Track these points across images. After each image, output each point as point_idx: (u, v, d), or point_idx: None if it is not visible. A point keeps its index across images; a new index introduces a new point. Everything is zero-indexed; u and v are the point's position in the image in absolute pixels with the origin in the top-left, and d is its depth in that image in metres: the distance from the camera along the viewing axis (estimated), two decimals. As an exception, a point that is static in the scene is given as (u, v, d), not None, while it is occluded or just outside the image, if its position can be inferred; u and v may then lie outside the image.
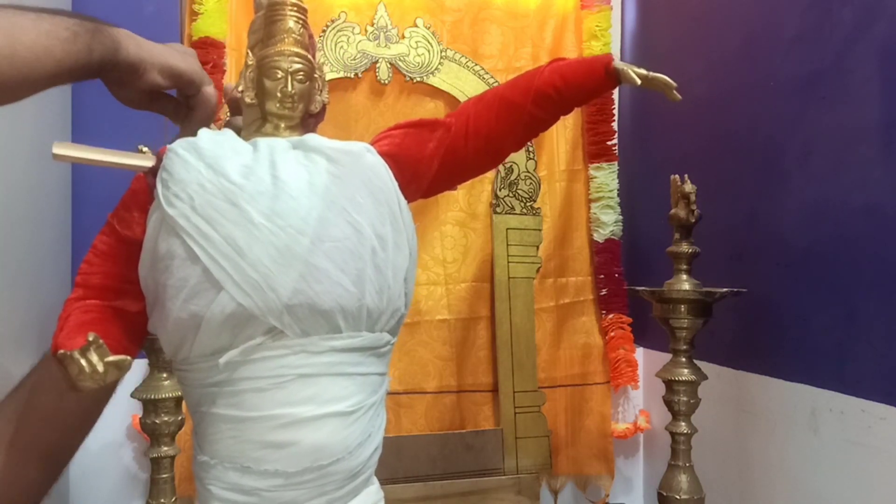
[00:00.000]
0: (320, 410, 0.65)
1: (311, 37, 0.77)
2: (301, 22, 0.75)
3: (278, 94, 0.72)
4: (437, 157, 0.78)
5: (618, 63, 0.82)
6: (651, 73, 0.83)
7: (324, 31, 1.79)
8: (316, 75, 0.76)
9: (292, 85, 0.72)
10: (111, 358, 0.58)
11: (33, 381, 0.66)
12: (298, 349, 0.65)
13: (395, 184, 0.73)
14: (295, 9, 0.74)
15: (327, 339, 0.66)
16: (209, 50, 1.65)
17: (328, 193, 0.67)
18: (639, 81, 0.82)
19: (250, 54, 0.74)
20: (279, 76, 0.72)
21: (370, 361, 0.70)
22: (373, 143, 0.76)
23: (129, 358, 0.59)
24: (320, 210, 0.66)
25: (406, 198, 0.74)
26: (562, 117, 0.88)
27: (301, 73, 0.73)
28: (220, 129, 0.74)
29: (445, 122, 0.80)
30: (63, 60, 0.60)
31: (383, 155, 0.74)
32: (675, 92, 0.84)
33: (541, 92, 0.81)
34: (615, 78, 0.82)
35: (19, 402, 0.65)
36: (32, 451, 0.65)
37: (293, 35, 0.74)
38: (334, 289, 0.65)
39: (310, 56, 0.75)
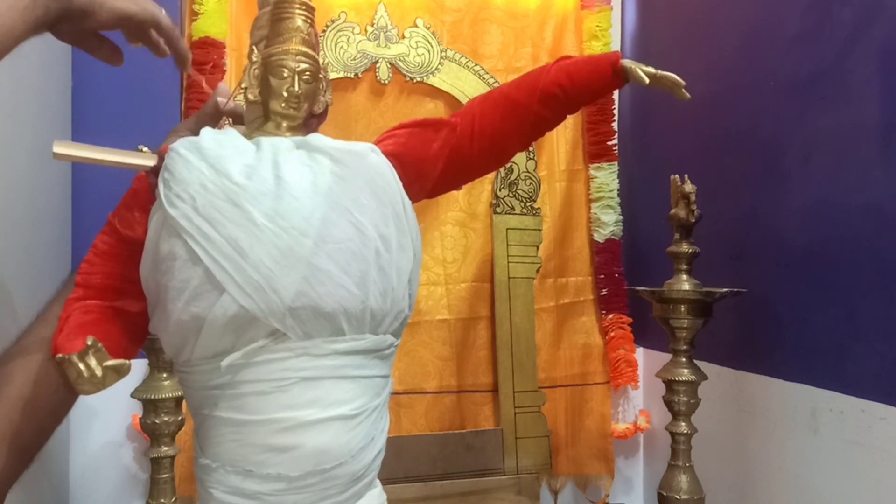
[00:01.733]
0: (324, 414, 0.65)
1: (316, 36, 0.75)
2: (309, 21, 0.73)
3: (284, 94, 0.71)
4: (442, 156, 0.77)
5: (625, 62, 0.80)
6: (659, 72, 0.81)
7: (324, 31, 1.78)
8: (321, 76, 0.75)
9: (299, 85, 0.71)
10: (110, 362, 0.58)
11: (6, 369, 0.65)
12: (301, 352, 0.64)
13: (400, 184, 0.72)
14: (303, 7, 0.73)
15: (330, 342, 0.65)
16: (209, 50, 1.65)
17: (331, 194, 0.66)
18: (647, 80, 0.80)
19: (255, 50, 0.73)
20: (286, 75, 0.71)
21: (373, 364, 0.69)
22: (377, 143, 0.75)
23: (127, 362, 0.59)
24: (323, 211, 0.65)
25: (410, 198, 0.73)
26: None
27: (308, 73, 0.72)
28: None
29: (451, 121, 0.79)
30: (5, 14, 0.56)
31: (388, 155, 0.73)
32: (683, 91, 0.82)
33: (547, 91, 0.79)
34: (622, 77, 0.80)
35: None
36: (3, 438, 0.63)
37: (301, 34, 0.72)
38: (337, 291, 0.64)
39: (316, 56, 0.74)
